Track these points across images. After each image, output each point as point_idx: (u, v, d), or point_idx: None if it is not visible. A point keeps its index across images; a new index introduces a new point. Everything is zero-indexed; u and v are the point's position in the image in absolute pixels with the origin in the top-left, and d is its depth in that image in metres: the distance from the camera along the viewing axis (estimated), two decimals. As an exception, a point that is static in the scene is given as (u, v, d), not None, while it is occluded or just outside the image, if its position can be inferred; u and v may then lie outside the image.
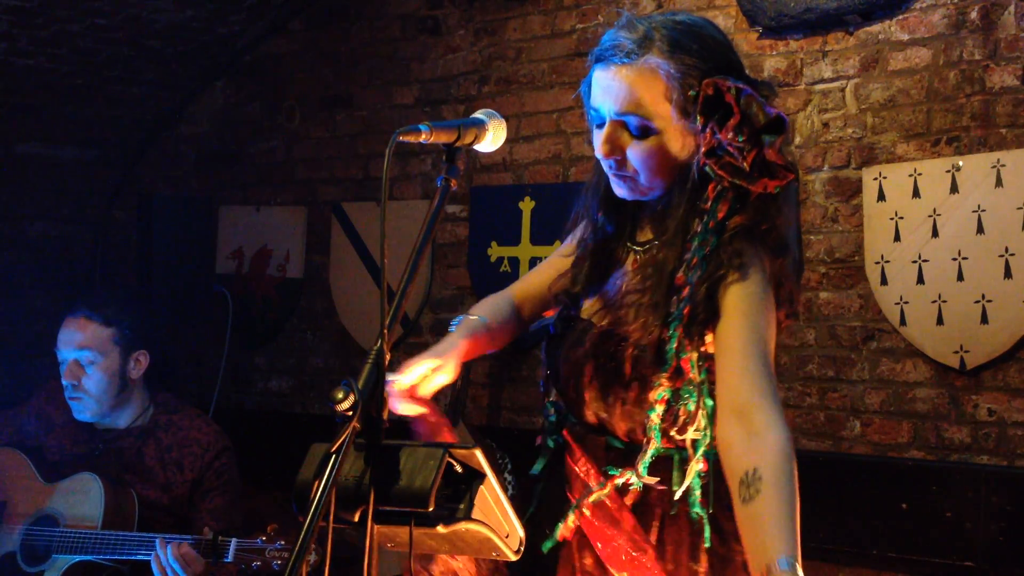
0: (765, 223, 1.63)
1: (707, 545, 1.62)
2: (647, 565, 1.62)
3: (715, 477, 1.61)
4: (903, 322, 3.18)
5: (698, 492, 1.62)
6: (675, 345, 1.58)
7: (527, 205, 3.96)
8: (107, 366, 2.82)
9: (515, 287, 2.00)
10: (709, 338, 1.60)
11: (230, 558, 2.50)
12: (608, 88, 1.64)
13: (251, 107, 4.76)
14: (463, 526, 1.35)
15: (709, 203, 1.62)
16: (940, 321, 3.12)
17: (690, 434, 1.60)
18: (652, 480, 1.63)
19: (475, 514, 1.36)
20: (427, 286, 4.18)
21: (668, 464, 1.64)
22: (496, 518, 1.40)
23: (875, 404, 3.25)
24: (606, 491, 1.65)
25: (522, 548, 1.46)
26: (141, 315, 2.95)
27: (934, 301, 3.13)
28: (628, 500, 1.66)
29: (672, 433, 1.61)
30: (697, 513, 1.62)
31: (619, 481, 1.64)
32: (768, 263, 1.62)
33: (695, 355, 1.58)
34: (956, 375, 3.11)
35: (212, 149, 4.85)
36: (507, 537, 1.43)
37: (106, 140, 4.73)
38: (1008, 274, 3.01)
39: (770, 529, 1.40)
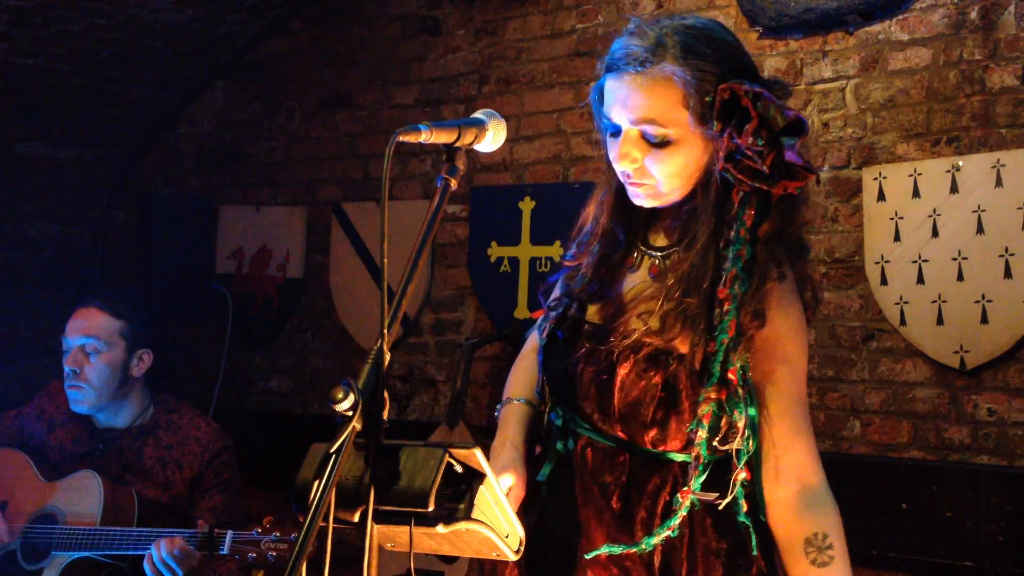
0: (792, 226, 1.64)
1: (755, 553, 1.63)
2: None
3: (757, 484, 1.64)
4: (903, 322, 3.18)
5: (742, 501, 1.62)
6: (722, 358, 1.58)
7: (527, 205, 3.96)
8: (111, 358, 2.83)
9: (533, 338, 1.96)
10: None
11: (226, 550, 2.49)
12: (623, 98, 1.62)
13: (251, 107, 4.76)
14: (463, 526, 1.35)
15: (735, 209, 1.61)
16: (940, 321, 3.12)
17: (735, 444, 1.60)
18: (710, 496, 1.62)
19: (475, 514, 1.36)
20: (427, 286, 4.18)
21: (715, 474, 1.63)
22: (496, 518, 1.40)
23: (875, 404, 3.25)
24: (677, 520, 1.60)
25: (522, 548, 1.46)
26: (149, 316, 2.98)
27: (934, 301, 3.13)
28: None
29: (715, 443, 1.60)
30: (743, 522, 1.62)
31: (685, 503, 1.60)
32: (794, 268, 1.66)
33: (738, 365, 1.59)
34: (956, 375, 3.11)
35: (212, 149, 4.85)
36: (507, 537, 1.43)
37: (106, 140, 4.74)
38: (1008, 274, 3.01)
39: None
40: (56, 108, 4.40)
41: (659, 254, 1.72)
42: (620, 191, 1.73)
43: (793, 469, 1.62)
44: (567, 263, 1.84)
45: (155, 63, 4.43)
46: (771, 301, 1.61)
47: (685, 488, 1.60)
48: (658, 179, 1.64)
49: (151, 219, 4.71)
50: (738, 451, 1.60)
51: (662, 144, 1.61)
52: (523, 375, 1.90)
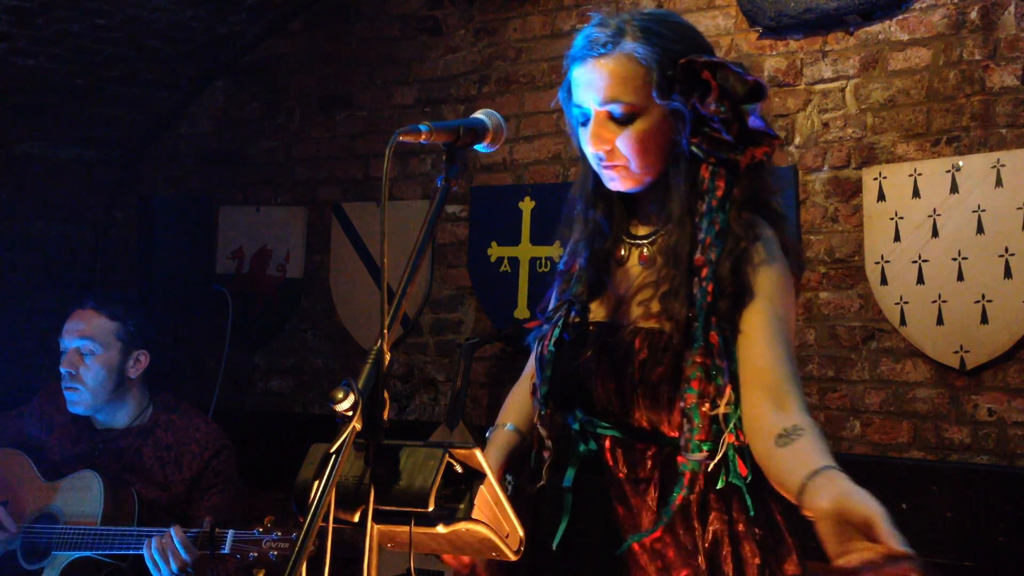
0: (762, 192, 1.70)
1: (751, 513, 1.64)
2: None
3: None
4: (903, 322, 3.18)
5: (737, 462, 1.63)
6: (703, 323, 1.61)
7: (527, 205, 3.96)
8: (106, 360, 2.83)
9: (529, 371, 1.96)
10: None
11: (227, 550, 2.50)
12: (590, 81, 1.68)
13: (251, 107, 4.76)
14: (463, 526, 1.35)
15: (706, 182, 1.67)
16: (940, 321, 3.12)
17: (721, 408, 1.61)
18: (702, 455, 1.61)
19: (475, 514, 1.36)
20: (427, 286, 4.18)
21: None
22: (496, 518, 1.40)
23: (875, 404, 3.25)
24: (686, 490, 1.61)
25: (522, 548, 1.46)
26: (147, 317, 2.98)
27: (934, 301, 3.13)
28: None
29: (703, 409, 1.61)
30: (734, 483, 1.64)
31: (684, 464, 1.61)
32: (774, 233, 1.69)
33: (718, 328, 1.61)
34: (956, 375, 3.11)
35: (212, 149, 4.85)
36: (507, 537, 1.43)
37: (106, 140, 4.74)
38: (1008, 274, 3.01)
39: (814, 454, 1.43)
40: (56, 108, 4.40)
41: (645, 241, 1.77)
42: (597, 183, 1.78)
43: (765, 383, 1.57)
44: (560, 273, 1.88)
45: (155, 63, 4.43)
46: (746, 260, 1.65)
47: (679, 455, 1.62)
48: (629, 158, 1.68)
49: (151, 219, 4.71)
50: (726, 415, 1.61)
51: (629, 121, 1.66)
52: (517, 402, 1.95)
